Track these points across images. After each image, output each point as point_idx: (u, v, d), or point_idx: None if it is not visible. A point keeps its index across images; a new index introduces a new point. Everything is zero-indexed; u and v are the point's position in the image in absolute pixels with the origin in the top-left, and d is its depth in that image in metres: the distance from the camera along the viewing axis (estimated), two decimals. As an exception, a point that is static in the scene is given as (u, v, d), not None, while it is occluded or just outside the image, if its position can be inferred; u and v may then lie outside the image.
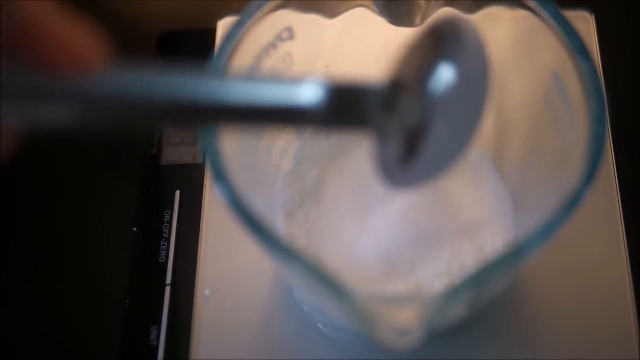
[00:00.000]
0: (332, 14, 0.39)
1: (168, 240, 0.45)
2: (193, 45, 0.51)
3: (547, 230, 0.31)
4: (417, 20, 0.39)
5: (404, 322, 0.30)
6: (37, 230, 0.47)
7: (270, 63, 0.38)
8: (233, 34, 0.36)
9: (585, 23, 0.48)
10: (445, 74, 0.31)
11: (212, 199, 0.45)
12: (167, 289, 0.44)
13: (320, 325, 0.42)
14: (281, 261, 0.32)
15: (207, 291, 0.43)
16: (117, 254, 0.45)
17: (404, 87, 0.31)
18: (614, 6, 0.50)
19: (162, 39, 0.52)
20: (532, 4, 0.36)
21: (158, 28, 0.53)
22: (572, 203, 0.32)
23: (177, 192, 0.46)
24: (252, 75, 0.37)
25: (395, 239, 0.39)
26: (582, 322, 0.41)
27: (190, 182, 0.46)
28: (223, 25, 0.49)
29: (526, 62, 0.38)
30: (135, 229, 0.46)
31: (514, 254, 0.31)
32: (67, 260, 0.46)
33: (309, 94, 0.29)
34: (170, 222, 0.45)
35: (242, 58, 0.36)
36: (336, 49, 0.41)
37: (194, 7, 0.53)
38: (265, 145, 0.40)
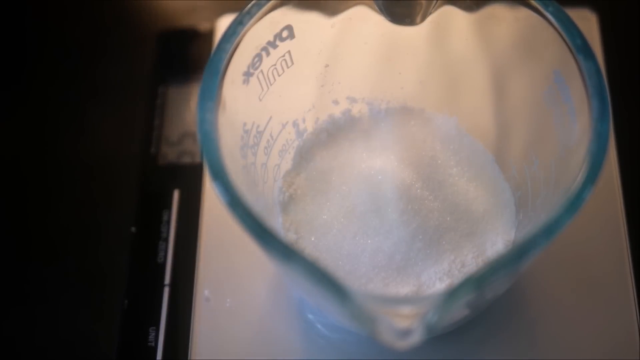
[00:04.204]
0: (332, 12, 0.39)
1: (167, 240, 0.45)
2: (193, 45, 0.51)
3: (549, 231, 0.31)
4: (418, 19, 0.39)
5: (405, 322, 0.30)
6: (36, 231, 0.47)
7: (270, 62, 0.38)
8: (234, 33, 0.36)
9: (587, 22, 0.48)
10: None
11: (211, 199, 0.45)
12: (166, 290, 0.44)
13: (319, 326, 0.41)
14: (281, 262, 0.32)
15: (206, 292, 0.43)
16: (115, 254, 0.45)
17: None
18: (617, 5, 0.50)
19: (162, 38, 0.52)
20: (534, 2, 0.36)
21: (158, 28, 0.53)
22: (574, 203, 0.31)
23: (176, 192, 0.46)
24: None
25: (396, 239, 0.39)
26: (584, 323, 0.41)
27: (189, 182, 0.46)
28: (222, 25, 0.49)
29: (528, 61, 0.38)
30: (133, 229, 0.46)
31: (515, 255, 0.31)
32: (66, 260, 0.46)
33: None
34: (169, 223, 0.45)
35: (243, 57, 0.36)
36: (336, 48, 0.40)
37: (194, 7, 0.53)
38: (265, 145, 0.40)
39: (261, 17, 0.36)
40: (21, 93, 0.51)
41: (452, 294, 0.30)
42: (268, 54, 0.38)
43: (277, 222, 0.41)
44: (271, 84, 0.39)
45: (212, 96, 0.34)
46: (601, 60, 0.47)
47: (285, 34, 0.38)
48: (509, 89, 0.40)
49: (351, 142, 0.43)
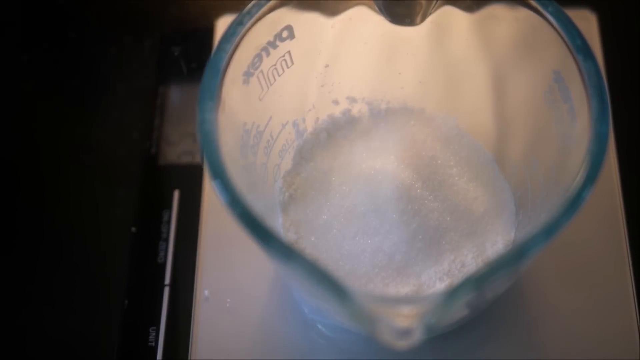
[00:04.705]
0: (332, 12, 0.39)
1: (167, 240, 0.45)
2: (193, 45, 0.51)
3: (549, 231, 0.31)
4: (418, 19, 0.39)
5: (405, 322, 0.30)
6: (37, 230, 0.47)
7: (270, 62, 0.38)
8: (234, 33, 0.36)
9: (587, 22, 0.48)
10: None
11: (211, 199, 0.45)
12: (166, 290, 0.44)
13: (319, 326, 0.41)
14: (281, 262, 0.32)
15: (206, 292, 0.43)
16: (116, 254, 0.45)
17: None
18: (617, 5, 0.50)
19: (162, 38, 0.52)
20: (534, 2, 0.36)
21: (158, 28, 0.53)
22: (574, 203, 0.31)
23: (176, 192, 0.46)
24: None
25: (396, 239, 0.39)
26: (584, 323, 0.41)
27: (189, 182, 0.46)
28: (222, 25, 0.49)
29: (528, 61, 0.38)
30: (134, 229, 0.46)
31: (515, 255, 0.31)
32: (66, 260, 0.46)
33: None
34: (169, 223, 0.45)
35: (243, 57, 0.36)
36: (336, 48, 0.40)
37: (194, 7, 0.53)
38: (265, 145, 0.40)
39: (261, 17, 0.36)
40: (21, 93, 0.51)
41: (452, 293, 0.30)
42: (268, 54, 0.38)
43: (277, 222, 0.41)
44: (271, 84, 0.39)
45: (212, 96, 0.34)
46: (601, 60, 0.47)
47: (285, 34, 0.38)
48: (509, 89, 0.40)
49: (351, 142, 0.43)
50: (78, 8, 0.54)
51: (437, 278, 0.39)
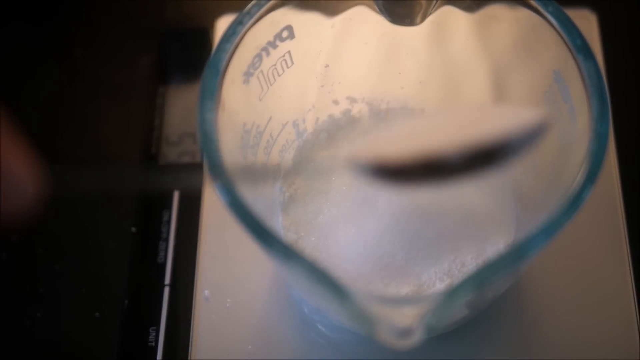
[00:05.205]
0: (332, 12, 0.39)
1: (167, 240, 0.45)
2: (193, 45, 0.51)
3: (549, 230, 0.31)
4: (418, 19, 0.39)
5: (405, 322, 0.30)
6: (36, 231, 0.47)
7: (270, 62, 0.38)
8: (234, 33, 0.36)
9: (587, 22, 0.48)
10: None
11: (211, 199, 0.45)
12: (166, 290, 0.44)
13: (319, 326, 0.41)
14: (281, 262, 0.32)
15: (206, 292, 0.43)
16: (116, 254, 0.45)
17: None
18: (617, 5, 0.50)
19: (162, 38, 0.52)
20: (534, 2, 0.36)
21: (158, 28, 0.53)
22: (574, 203, 0.31)
23: (176, 193, 0.46)
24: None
25: (396, 239, 0.39)
26: (584, 323, 0.41)
27: (189, 182, 0.46)
28: (222, 25, 0.49)
29: (528, 61, 0.38)
30: (134, 229, 0.46)
31: (515, 255, 0.31)
32: (66, 260, 0.46)
33: None
34: (169, 223, 0.45)
35: (243, 57, 0.36)
36: (336, 48, 0.40)
37: (194, 7, 0.53)
38: (265, 145, 0.40)
39: (261, 17, 0.36)
40: (21, 92, 0.51)
41: (452, 293, 0.30)
42: (268, 54, 0.38)
43: (277, 222, 0.41)
44: (271, 84, 0.39)
45: (212, 96, 0.34)
46: (601, 60, 0.47)
47: (285, 34, 0.38)
48: (509, 89, 0.40)
49: (351, 142, 0.43)
50: (78, 8, 0.54)
51: (437, 278, 0.39)
